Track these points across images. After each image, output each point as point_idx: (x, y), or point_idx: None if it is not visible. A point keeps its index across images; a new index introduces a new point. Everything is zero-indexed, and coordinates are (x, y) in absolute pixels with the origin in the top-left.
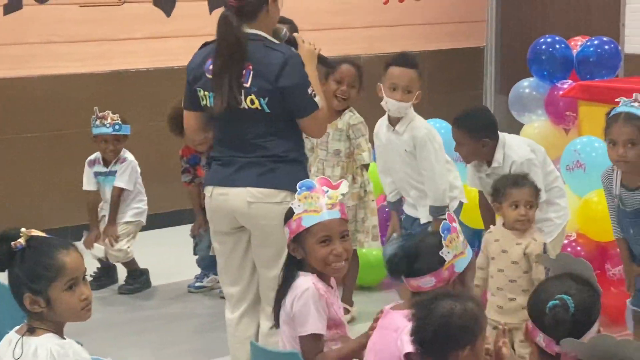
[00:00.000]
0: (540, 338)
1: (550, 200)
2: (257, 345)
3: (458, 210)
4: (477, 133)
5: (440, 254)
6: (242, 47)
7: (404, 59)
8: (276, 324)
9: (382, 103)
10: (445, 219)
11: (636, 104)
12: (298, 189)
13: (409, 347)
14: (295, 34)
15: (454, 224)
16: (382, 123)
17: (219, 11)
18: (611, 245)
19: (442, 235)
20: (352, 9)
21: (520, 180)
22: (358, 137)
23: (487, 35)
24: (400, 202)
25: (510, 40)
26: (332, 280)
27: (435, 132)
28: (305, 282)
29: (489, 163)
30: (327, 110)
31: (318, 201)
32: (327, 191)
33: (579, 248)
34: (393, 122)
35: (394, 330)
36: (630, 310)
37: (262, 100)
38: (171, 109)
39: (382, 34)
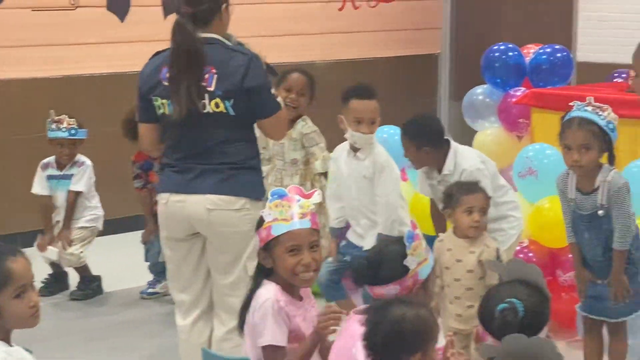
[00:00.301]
0: (490, 342)
1: (503, 214)
2: (208, 351)
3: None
4: (418, 141)
5: (404, 262)
6: (199, 52)
7: (364, 91)
8: (239, 331)
9: (347, 136)
10: None
11: (589, 108)
12: (270, 197)
13: (361, 357)
14: (243, 40)
15: (416, 231)
16: (343, 149)
17: (173, 17)
18: (562, 252)
19: (407, 244)
20: (307, 15)
21: (473, 187)
22: (312, 145)
23: (441, 43)
24: (342, 229)
25: (464, 47)
26: (306, 291)
27: (394, 163)
28: (267, 292)
29: (440, 170)
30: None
31: (289, 210)
32: (299, 200)
33: (530, 254)
34: (355, 148)
35: (350, 336)
36: (580, 316)
37: (227, 102)
38: (125, 114)
39: (337, 41)
